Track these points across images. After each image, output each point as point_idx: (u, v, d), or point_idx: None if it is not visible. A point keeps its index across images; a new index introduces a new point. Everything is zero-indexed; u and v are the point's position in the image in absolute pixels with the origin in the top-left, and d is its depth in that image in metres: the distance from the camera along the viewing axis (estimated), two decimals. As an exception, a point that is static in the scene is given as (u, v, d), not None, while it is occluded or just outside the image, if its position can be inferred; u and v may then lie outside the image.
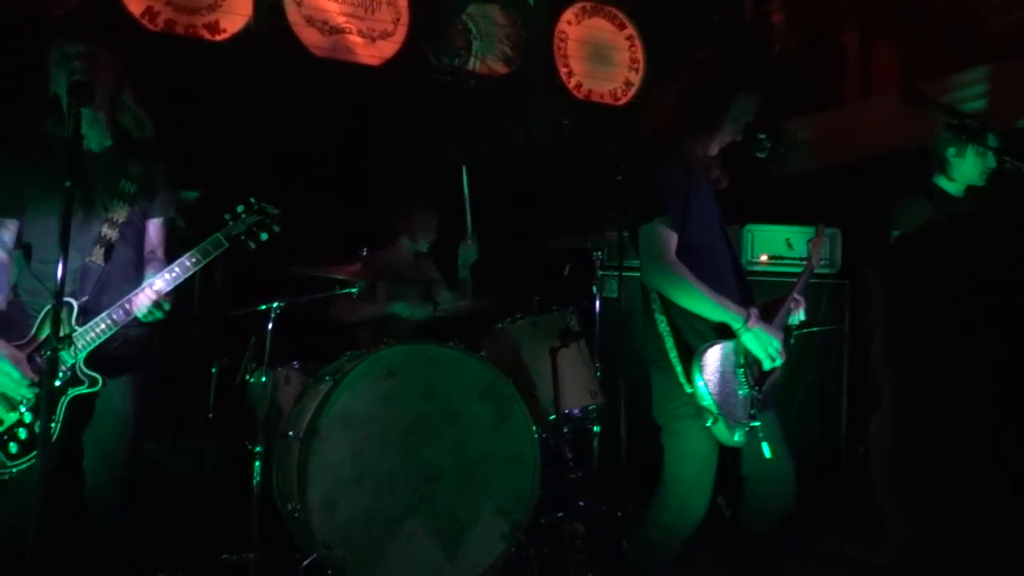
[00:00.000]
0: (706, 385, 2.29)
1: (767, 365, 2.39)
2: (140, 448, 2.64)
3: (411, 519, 3.00)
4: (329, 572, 2.88)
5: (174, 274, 2.53)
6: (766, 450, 2.37)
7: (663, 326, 2.39)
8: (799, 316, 2.62)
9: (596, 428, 3.61)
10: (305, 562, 2.91)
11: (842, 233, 4.35)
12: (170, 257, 2.64)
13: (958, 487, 0.60)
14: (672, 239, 2.34)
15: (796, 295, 2.63)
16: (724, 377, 2.34)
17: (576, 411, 3.42)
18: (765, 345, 2.36)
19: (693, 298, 2.33)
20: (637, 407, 2.55)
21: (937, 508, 0.61)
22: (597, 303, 3.83)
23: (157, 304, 2.50)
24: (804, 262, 2.87)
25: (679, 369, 2.34)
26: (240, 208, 2.67)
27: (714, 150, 2.51)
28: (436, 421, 3.08)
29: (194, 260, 2.56)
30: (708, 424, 2.30)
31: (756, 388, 2.41)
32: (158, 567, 3.12)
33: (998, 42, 4.19)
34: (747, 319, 2.34)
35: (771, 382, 2.47)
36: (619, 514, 3.45)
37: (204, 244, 2.58)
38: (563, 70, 5.03)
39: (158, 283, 2.51)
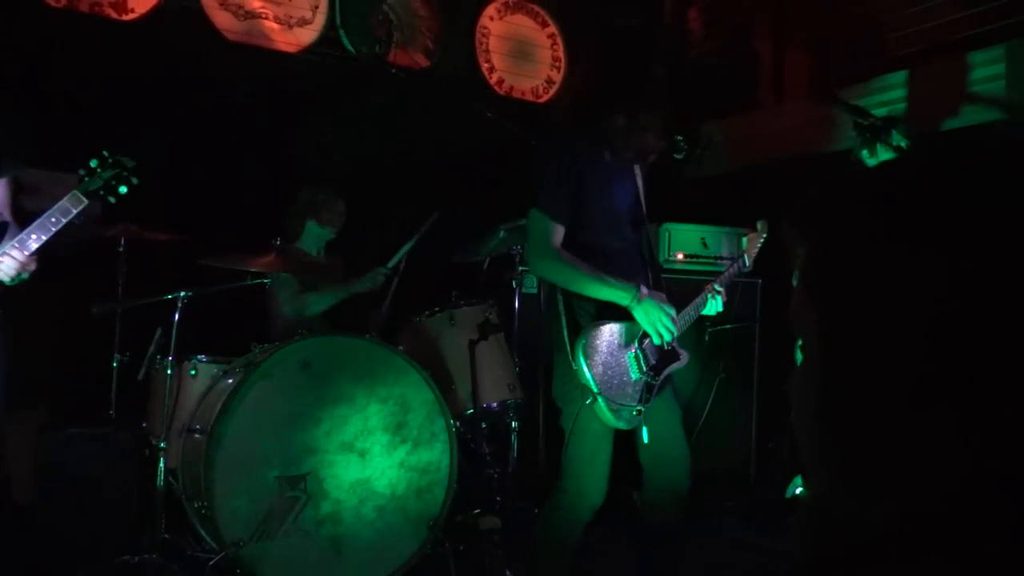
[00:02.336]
0: (587, 364, 2.31)
1: (656, 340, 2.42)
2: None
3: (324, 516, 2.98)
4: (237, 571, 2.83)
5: (36, 237, 2.45)
6: (644, 435, 2.42)
7: (559, 307, 2.42)
8: (716, 306, 2.67)
9: (514, 423, 3.64)
10: (212, 562, 2.85)
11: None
12: (18, 218, 2.56)
13: (889, 425, 0.62)
14: (553, 229, 2.35)
15: (717, 285, 2.68)
16: (610, 358, 2.36)
17: (494, 405, 3.45)
18: (655, 318, 2.37)
19: (576, 281, 2.35)
20: (555, 402, 2.57)
21: (865, 453, 0.63)
22: (516, 298, 3.86)
23: (24, 266, 2.42)
24: (729, 261, 2.90)
25: (569, 349, 2.36)
26: (93, 163, 2.61)
27: (641, 123, 2.47)
28: (350, 415, 3.07)
29: (54, 220, 2.49)
30: (588, 402, 2.33)
31: (650, 375, 2.44)
32: (54, 570, 2.99)
33: (912, 47, 4.40)
34: (635, 293, 2.36)
35: (673, 369, 2.52)
36: (536, 511, 3.45)
37: (62, 203, 2.51)
38: (484, 65, 5.05)
39: (31, 244, 2.44)
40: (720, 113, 5.25)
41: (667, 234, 4.39)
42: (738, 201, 4.77)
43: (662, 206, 4.93)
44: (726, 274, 2.76)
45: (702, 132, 5.17)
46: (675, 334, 2.44)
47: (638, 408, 2.41)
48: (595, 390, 2.33)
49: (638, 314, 2.38)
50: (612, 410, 2.36)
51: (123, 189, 2.65)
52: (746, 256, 2.86)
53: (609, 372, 2.37)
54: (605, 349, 2.38)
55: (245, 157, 4.17)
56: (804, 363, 0.70)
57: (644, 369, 2.44)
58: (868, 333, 0.63)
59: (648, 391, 2.43)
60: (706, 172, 5.15)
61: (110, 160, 2.63)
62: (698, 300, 2.63)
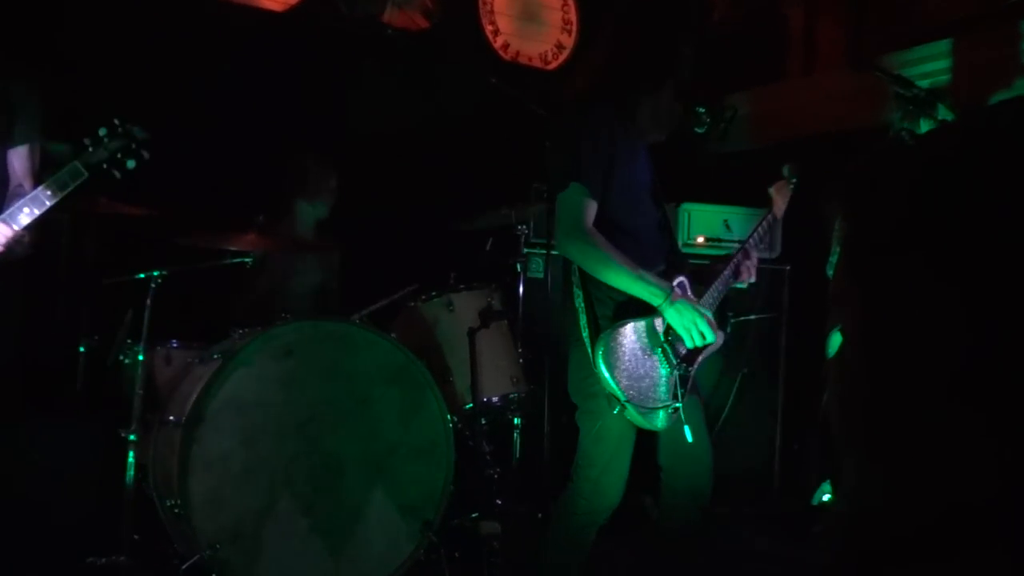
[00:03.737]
0: (611, 371, 2.29)
1: (689, 343, 2.39)
2: None
3: (309, 517, 2.96)
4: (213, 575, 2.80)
5: (28, 211, 2.42)
6: (688, 434, 2.39)
7: (579, 301, 2.40)
8: (746, 279, 2.63)
9: (517, 420, 3.62)
10: (185, 565, 2.82)
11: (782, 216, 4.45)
12: None
13: (929, 413, 0.59)
14: (589, 207, 2.34)
15: (748, 247, 2.62)
16: (635, 359, 2.34)
17: (495, 399, 3.43)
18: (688, 322, 2.35)
19: (609, 270, 2.33)
20: (562, 398, 2.55)
21: (904, 442, 0.60)
22: (521, 282, 3.83)
23: (16, 241, 2.39)
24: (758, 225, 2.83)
25: (590, 352, 2.34)
26: (102, 131, 2.56)
27: (664, 103, 2.50)
28: (339, 407, 3.04)
29: (48, 193, 2.45)
30: (615, 412, 2.31)
31: (682, 366, 2.41)
32: (12, 572, 2.97)
33: (957, 13, 4.33)
34: (669, 293, 2.34)
35: (704, 358, 2.49)
36: (540, 515, 3.44)
37: (60, 174, 2.46)
38: (488, 27, 5.01)
39: (22, 218, 2.40)
40: (746, 83, 5.19)
41: (686, 215, 4.35)
42: (765, 179, 4.72)
43: (681, 184, 4.91)
44: (757, 231, 2.71)
45: (725, 104, 5.11)
46: (710, 341, 2.41)
47: (674, 406, 2.38)
48: (622, 398, 2.30)
49: (670, 316, 2.36)
50: (643, 414, 2.33)
51: (131, 163, 2.61)
52: (774, 208, 2.84)
53: (635, 376, 2.33)
54: (628, 352, 2.34)
55: (228, 126, 4.13)
56: (843, 347, 0.66)
57: (675, 362, 2.40)
58: (912, 318, 0.61)
59: (682, 384, 2.40)
60: (730, 147, 5.10)
61: (120, 129, 2.57)
62: (725, 273, 2.58)
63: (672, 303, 2.34)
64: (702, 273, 2.57)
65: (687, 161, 5.04)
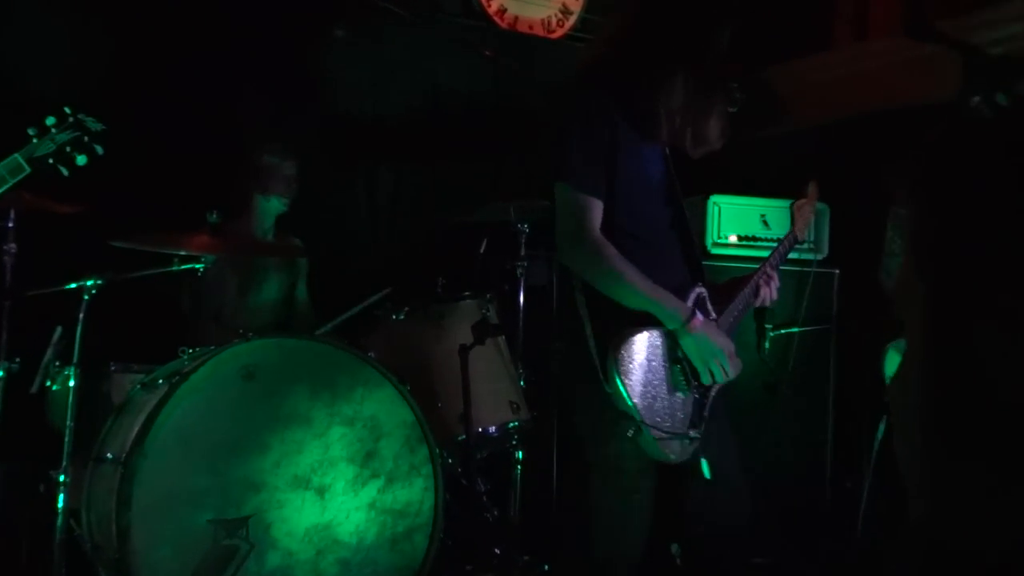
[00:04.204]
0: (625, 384, 2.29)
1: (705, 379, 2.41)
2: None
3: (271, 570, 2.95)
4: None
5: None
6: (705, 469, 2.40)
7: (582, 307, 2.40)
8: (768, 299, 2.66)
9: (519, 453, 3.61)
10: (126, 628, 2.81)
11: (831, 209, 4.45)
12: None
13: (1006, 428, 0.58)
14: (593, 207, 2.35)
15: (769, 269, 2.68)
16: (653, 374, 2.35)
17: (492, 430, 3.44)
18: (707, 355, 2.38)
19: (620, 287, 2.34)
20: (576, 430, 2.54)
21: (980, 468, 0.59)
22: (521, 290, 3.82)
23: None
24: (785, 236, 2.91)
25: (599, 364, 2.34)
26: (50, 120, 2.56)
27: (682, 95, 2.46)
28: (307, 440, 3.04)
29: None
30: (630, 434, 2.31)
31: (700, 389, 2.43)
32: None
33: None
34: (686, 320, 2.36)
35: (724, 383, 2.48)
36: (545, 567, 3.45)
37: None
38: (482, -11, 5.00)
39: None
40: (785, 53, 5.20)
41: (716, 210, 4.34)
42: (808, 167, 4.72)
43: (709, 173, 4.91)
44: (777, 253, 2.77)
45: (762, 78, 5.12)
46: (730, 377, 2.43)
47: (691, 436, 2.38)
48: (637, 418, 2.29)
49: (687, 344, 2.38)
50: (660, 441, 2.32)
51: (81, 159, 2.62)
52: (795, 228, 2.90)
53: (652, 392, 2.34)
54: (645, 363, 2.34)
55: (174, 108, 4.13)
56: (908, 357, 0.65)
57: (694, 383, 2.41)
58: (988, 322, 0.59)
59: (700, 411, 2.41)
60: (767, 129, 5.11)
61: (71, 119, 2.57)
62: (745, 293, 2.62)
63: (690, 331, 2.36)
64: (717, 292, 2.59)
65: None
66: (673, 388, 2.38)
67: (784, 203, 4.35)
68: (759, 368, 4.19)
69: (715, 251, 4.26)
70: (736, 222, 4.34)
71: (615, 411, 2.32)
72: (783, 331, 4.24)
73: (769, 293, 2.66)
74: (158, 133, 4.03)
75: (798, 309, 4.26)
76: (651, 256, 2.41)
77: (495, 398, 3.44)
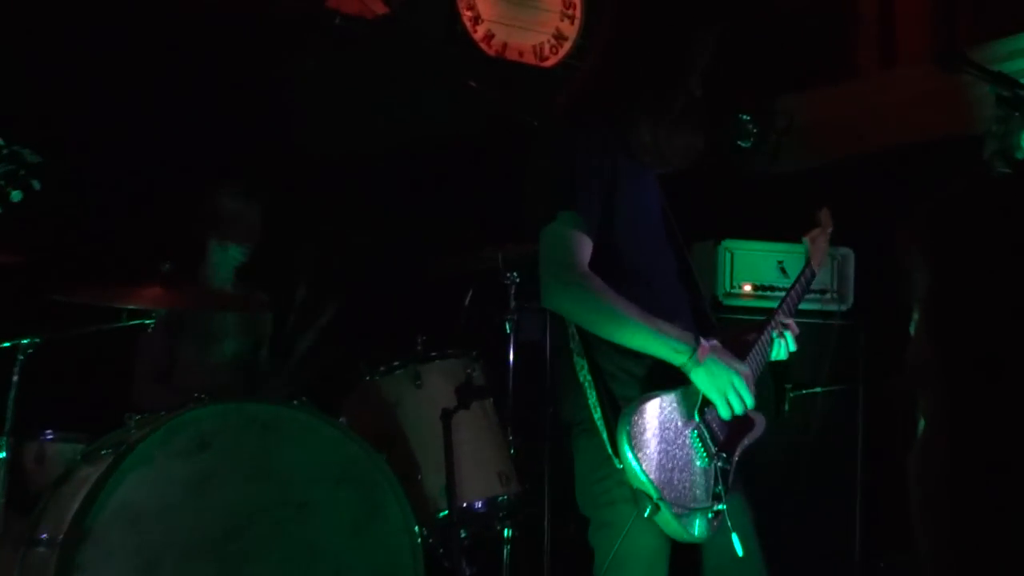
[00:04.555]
0: (638, 458, 2.27)
1: (724, 412, 2.39)
2: None
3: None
4: None
5: None
6: (737, 546, 2.38)
7: (584, 373, 2.38)
8: (788, 347, 2.67)
9: (507, 531, 3.60)
10: None
11: (855, 254, 4.48)
12: None
13: None
14: (583, 244, 2.34)
15: (782, 317, 2.67)
16: (669, 444, 2.33)
17: (479, 504, 3.43)
18: (723, 382, 2.36)
19: (613, 323, 2.32)
20: (567, 501, 2.53)
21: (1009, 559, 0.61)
22: (511, 347, 3.82)
23: None
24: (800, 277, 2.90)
25: (606, 436, 2.32)
26: None
27: (663, 131, 2.50)
28: (270, 518, 3.03)
29: None
30: (646, 514, 2.28)
31: (722, 457, 2.42)
32: None
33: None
34: (694, 348, 2.34)
35: (748, 445, 2.49)
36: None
37: None
38: (467, 13, 5.08)
39: None
40: (804, 82, 5.26)
41: (728, 256, 4.37)
42: (831, 207, 4.75)
43: (721, 215, 4.94)
44: (793, 293, 2.77)
45: (778, 109, 5.18)
46: (752, 403, 2.41)
47: (715, 509, 2.37)
48: (655, 495, 2.27)
49: (699, 378, 2.35)
50: (679, 518, 2.31)
51: (16, 195, 2.62)
52: (812, 263, 2.91)
53: (670, 465, 2.32)
54: (659, 432, 2.32)
55: (125, 143, 4.16)
56: (925, 435, 0.67)
57: (713, 450, 2.40)
58: (1010, 398, 0.62)
59: (724, 480, 2.40)
60: (784, 166, 5.15)
61: (5, 151, 2.59)
62: (762, 339, 2.61)
63: (700, 361, 2.34)
64: (727, 344, 2.60)
65: (728, 184, 5.10)
66: (692, 457, 2.37)
67: (804, 248, 4.41)
68: (778, 434, 4.18)
69: (728, 302, 4.29)
70: (751, 269, 4.37)
71: (628, 489, 2.30)
72: (804, 391, 4.24)
73: (784, 342, 2.66)
74: (104, 171, 4.07)
75: (821, 366, 4.27)
76: (656, 299, 2.41)
77: (482, 469, 3.43)
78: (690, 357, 2.33)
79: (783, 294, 4.26)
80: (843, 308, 4.44)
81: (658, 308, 2.39)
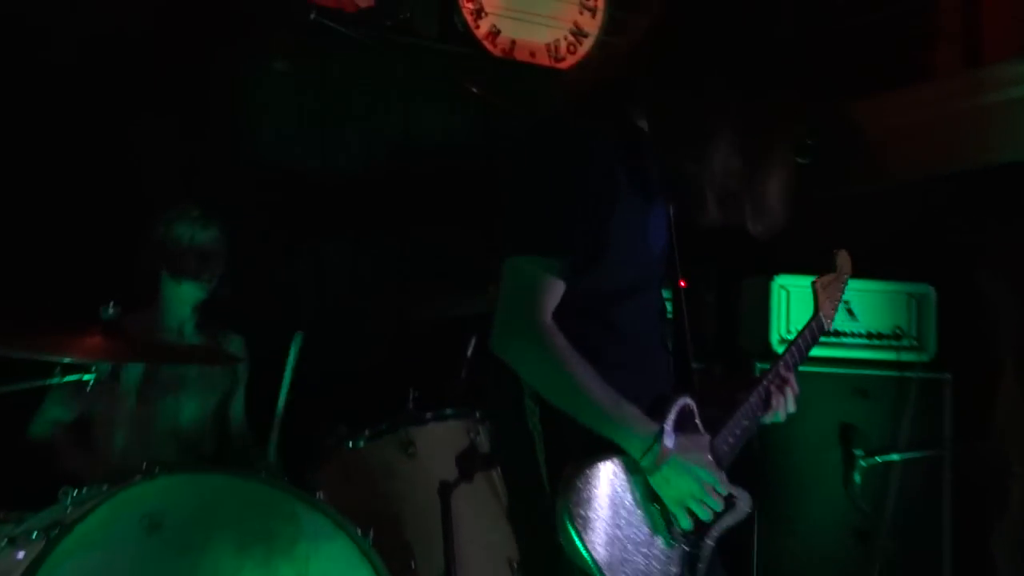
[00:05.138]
0: (582, 534, 2.27)
1: (684, 523, 2.39)
2: None
3: None
4: None
5: None
6: None
7: (534, 420, 2.39)
8: (783, 411, 2.68)
9: (519, 629, 3.60)
10: None
11: (937, 292, 4.51)
12: None
13: None
14: (551, 291, 2.34)
15: (783, 370, 2.70)
16: (621, 520, 2.34)
17: (484, 596, 3.41)
18: (683, 492, 2.37)
19: (569, 395, 2.32)
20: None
21: None
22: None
23: None
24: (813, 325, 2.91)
25: (554, 505, 2.32)
26: None
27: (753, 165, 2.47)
28: (234, 613, 3.02)
29: None
30: None
31: (690, 539, 2.43)
32: None
33: None
34: (654, 445, 2.33)
35: (729, 526, 2.51)
36: None
37: None
38: (467, 5, 5.10)
39: None
40: (874, 85, 5.28)
41: (783, 295, 4.39)
42: (907, 236, 4.76)
43: (775, 245, 4.93)
44: (795, 348, 2.80)
45: (844, 117, 5.20)
46: (715, 512, 2.42)
47: None
48: None
49: (657, 483, 2.36)
50: None
51: None
52: (821, 313, 2.92)
53: (621, 545, 2.32)
54: (612, 505, 2.33)
55: (60, 162, 4.20)
56: (1018, 514, 0.70)
57: (679, 530, 2.41)
58: None
59: (690, 568, 2.43)
60: (849, 187, 5.16)
61: None
62: (750, 403, 2.62)
63: (658, 464, 2.34)
64: (718, 398, 2.61)
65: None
66: (651, 537, 2.38)
67: (877, 286, 4.43)
68: (847, 510, 4.19)
69: (783, 349, 4.29)
70: (811, 311, 4.37)
71: (571, 567, 2.30)
72: (879, 459, 4.24)
73: (782, 402, 2.66)
74: (34, 196, 4.11)
75: (898, 429, 4.28)
76: (629, 354, 2.43)
77: (487, 553, 3.44)
78: (646, 452, 2.33)
79: (851, 340, 4.33)
80: (924, 358, 4.46)
81: (629, 361, 2.42)
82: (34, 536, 3.00)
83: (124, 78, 4.35)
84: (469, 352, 3.91)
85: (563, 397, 2.32)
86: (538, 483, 2.36)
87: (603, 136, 2.41)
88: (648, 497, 2.39)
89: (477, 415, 3.59)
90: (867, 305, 4.41)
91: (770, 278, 4.39)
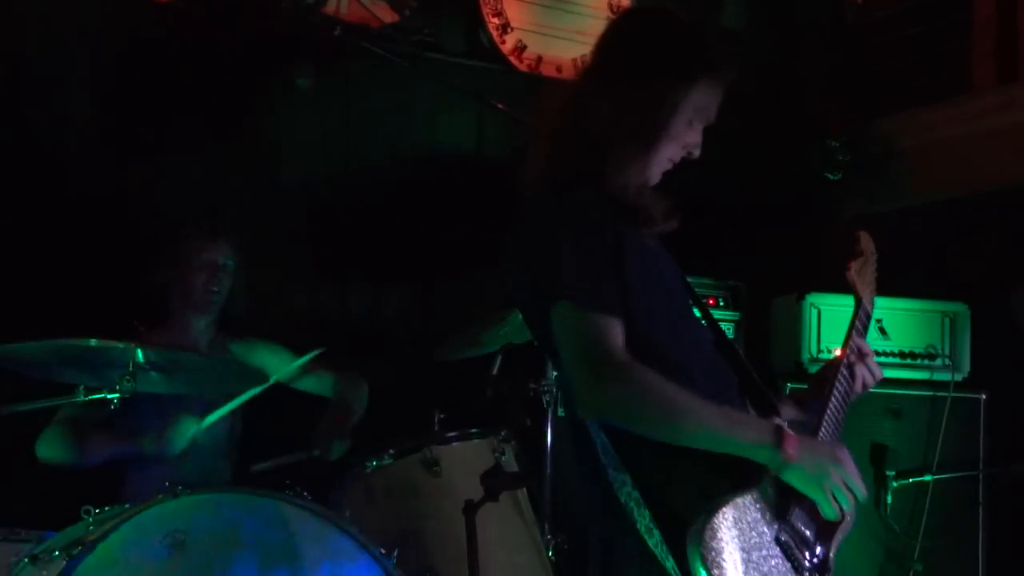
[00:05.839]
0: None
1: (829, 512, 2.39)
2: None
3: None
4: None
5: None
6: None
7: (627, 490, 2.35)
8: (871, 378, 2.74)
9: (547, 653, 3.59)
10: None
11: (971, 310, 4.49)
12: None
13: None
14: (612, 327, 2.31)
15: (856, 343, 2.77)
16: (753, 563, 2.31)
17: (512, 619, 3.41)
18: (826, 478, 2.35)
19: (679, 419, 2.28)
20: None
21: None
22: (549, 424, 3.84)
23: None
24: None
25: (670, 563, 2.28)
26: None
27: (654, 176, 2.55)
28: (257, 634, 3.02)
29: None
30: None
31: (815, 561, 2.43)
32: None
33: None
34: (779, 441, 2.32)
35: (842, 539, 2.51)
36: None
37: None
38: (493, 21, 5.11)
39: None
40: (905, 101, 5.27)
41: (814, 313, 4.38)
42: (941, 254, 4.75)
43: (806, 263, 4.92)
44: (853, 331, 2.84)
45: (873, 135, 5.18)
46: (862, 498, 2.41)
47: None
48: None
49: (793, 476, 2.35)
50: None
51: None
52: (864, 301, 2.94)
53: None
54: (740, 548, 2.28)
55: (76, 176, 4.23)
56: None
57: (807, 559, 2.41)
58: None
59: None
60: (881, 204, 5.15)
61: None
62: (839, 386, 2.65)
63: (793, 456, 2.31)
64: (802, 406, 2.63)
65: (815, 226, 5.09)
66: (783, 572, 2.36)
67: (909, 304, 4.41)
68: (880, 533, 4.17)
69: (814, 369, 4.28)
70: (842, 329, 4.34)
71: None
72: (912, 480, 4.22)
73: (867, 372, 2.73)
74: (53, 215, 4.12)
75: (931, 449, 4.26)
76: (697, 384, 2.37)
77: (513, 573, 3.44)
78: (775, 451, 2.31)
79: (884, 360, 4.30)
80: (958, 377, 4.44)
81: (702, 395, 2.36)
82: (56, 555, 3.00)
83: (146, 95, 4.36)
84: (495, 370, 3.90)
85: (675, 426, 2.28)
86: (646, 553, 2.32)
87: (588, 194, 2.43)
88: (772, 531, 2.36)
89: (502, 434, 3.59)
90: (900, 323, 4.39)
91: (801, 296, 4.38)
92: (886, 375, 4.30)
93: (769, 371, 4.56)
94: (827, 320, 4.38)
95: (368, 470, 3.55)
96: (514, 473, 3.50)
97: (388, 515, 3.47)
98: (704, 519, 2.25)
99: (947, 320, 4.43)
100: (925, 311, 4.44)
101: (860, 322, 2.87)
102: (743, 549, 2.28)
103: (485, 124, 4.92)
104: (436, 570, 3.41)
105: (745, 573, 2.27)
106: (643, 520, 2.32)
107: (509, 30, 5.15)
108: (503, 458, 3.52)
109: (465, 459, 3.50)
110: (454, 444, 3.54)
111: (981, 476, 4.34)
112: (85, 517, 3.14)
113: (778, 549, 2.36)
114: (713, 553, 2.23)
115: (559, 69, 5.25)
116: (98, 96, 4.31)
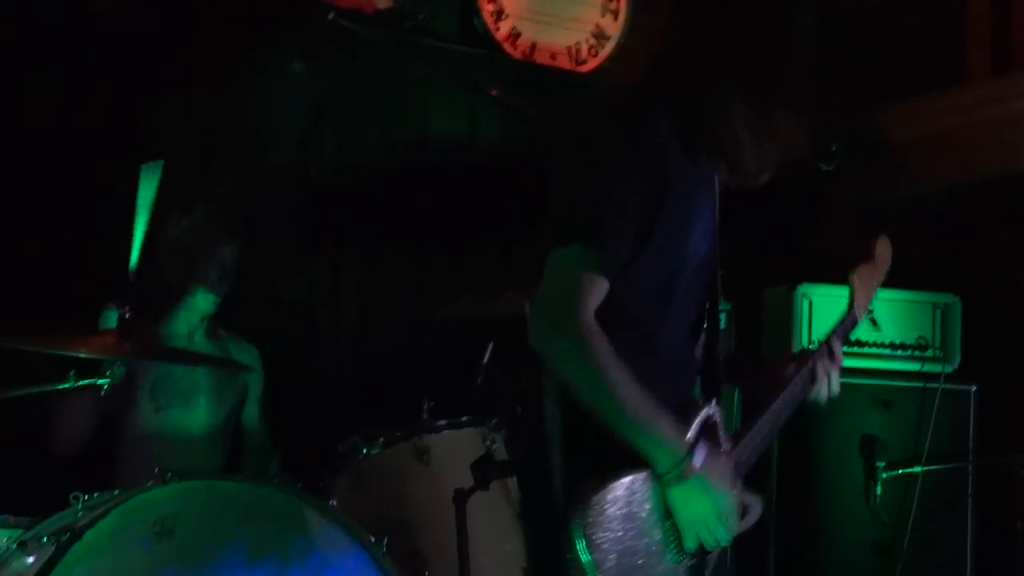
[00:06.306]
0: (592, 554, 2.27)
1: (689, 543, 2.39)
2: None
3: None
4: None
5: None
6: None
7: (554, 424, 2.41)
8: (827, 388, 2.73)
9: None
10: None
11: (962, 302, 4.51)
12: None
13: None
14: (596, 288, 2.33)
15: (833, 343, 2.77)
16: (632, 536, 2.34)
17: (500, 609, 3.41)
18: (699, 513, 2.37)
19: (604, 396, 2.30)
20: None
21: None
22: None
23: None
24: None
25: (562, 514, 2.33)
26: None
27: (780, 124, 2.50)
28: (244, 621, 3.03)
29: None
30: None
31: (692, 552, 2.43)
32: None
33: None
34: (682, 460, 2.33)
35: (736, 532, 2.51)
36: None
37: None
38: (488, 7, 5.11)
39: None
40: (897, 91, 5.27)
41: (805, 304, 4.39)
42: (933, 245, 4.75)
43: (798, 254, 4.91)
44: (830, 339, 2.83)
45: (871, 122, 5.18)
46: (725, 544, 2.43)
47: None
48: None
49: (674, 497, 2.36)
50: None
51: None
52: (854, 306, 2.94)
53: (628, 561, 2.33)
54: (624, 522, 2.33)
55: (70, 162, 4.22)
56: None
57: (687, 547, 2.42)
58: None
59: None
60: (874, 194, 5.15)
61: None
62: (781, 400, 2.66)
63: (682, 479, 2.34)
64: (764, 370, 2.68)
65: (807, 216, 5.09)
66: (660, 551, 2.39)
67: (901, 296, 4.41)
68: (868, 523, 4.18)
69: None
70: (834, 320, 4.37)
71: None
72: (901, 471, 4.23)
73: (825, 384, 2.74)
74: (42, 198, 4.14)
75: (921, 440, 4.27)
76: (661, 366, 2.43)
77: (502, 563, 3.44)
78: (672, 467, 2.33)
79: (875, 351, 4.32)
80: (948, 369, 4.45)
81: (658, 374, 2.39)
82: (44, 541, 3.00)
83: (139, 80, 4.36)
84: (486, 359, 3.91)
85: (601, 400, 2.31)
86: (549, 491, 2.37)
87: (655, 133, 2.41)
88: (661, 514, 2.38)
89: (493, 422, 3.58)
90: (891, 315, 4.40)
91: (793, 287, 4.39)
92: (877, 366, 4.35)
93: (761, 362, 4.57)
94: (819, 311, 4.38)
95: (358, 458, 3.55)
96: (504, 462, 3.48)
97: (378, 503, 3.48)
98: (597, 485, 2.30)
99: (938, 311, 4.44)
100: (916, 302, 4.45)
101: (844, 327, 2.90)
102: (624, 525, 2.33)
103: (478, 110, 4.91)
104: (425, 558, 3.42)
105: (618, 548, 2.31)
106: (555, 458, 2.39)
107: (504, 16, 5.15)
108: (493, 447, 3.52)
109: (455, 448, 3.50)
110: (444, 432, 3.55)
111: (971, 468, 4.35)
112: (74, 503, 3.14)
113: (661, 529, 2.39)
114: (593, 522, 2.28)
115: (553, 56, 5.24)
116: (84, 77, 4.29)
